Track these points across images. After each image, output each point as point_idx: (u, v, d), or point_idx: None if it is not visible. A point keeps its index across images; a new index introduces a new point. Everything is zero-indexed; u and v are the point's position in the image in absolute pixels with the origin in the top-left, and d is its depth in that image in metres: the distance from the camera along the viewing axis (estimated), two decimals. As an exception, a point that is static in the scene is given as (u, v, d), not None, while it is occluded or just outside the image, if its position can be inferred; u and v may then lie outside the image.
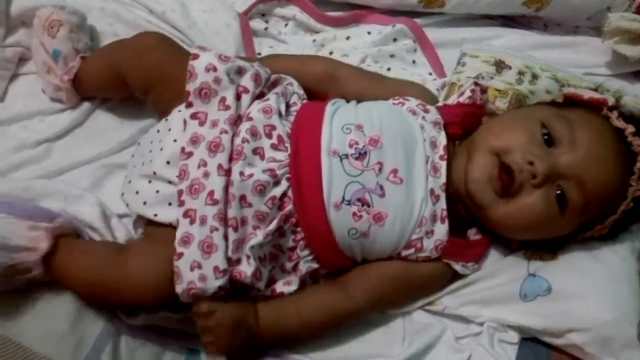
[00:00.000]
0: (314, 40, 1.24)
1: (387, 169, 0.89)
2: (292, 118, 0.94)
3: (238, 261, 0.86)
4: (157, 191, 0.90)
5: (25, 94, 1.13)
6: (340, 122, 0.92)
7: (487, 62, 1.15)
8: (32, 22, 1.11)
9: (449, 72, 1.21)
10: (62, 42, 1.07)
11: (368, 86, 1.05)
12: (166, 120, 0.95)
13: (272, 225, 0.86)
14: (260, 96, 0.95)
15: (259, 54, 1.20)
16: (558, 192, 0.89)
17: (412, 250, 0.92)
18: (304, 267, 0.91)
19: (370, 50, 1.22)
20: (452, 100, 1.04)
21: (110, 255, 0.90)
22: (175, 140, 0.90)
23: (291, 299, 0.92)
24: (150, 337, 0.95)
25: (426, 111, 0.98)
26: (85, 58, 1.08)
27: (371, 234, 0.89)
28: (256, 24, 1.26)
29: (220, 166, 0.85)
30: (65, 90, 1.08)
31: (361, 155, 0.89)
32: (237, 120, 0.90)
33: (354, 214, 0.88)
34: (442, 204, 0.92)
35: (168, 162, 0.90)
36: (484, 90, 1.05)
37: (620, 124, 0.93)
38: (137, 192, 0.92)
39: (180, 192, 0.86)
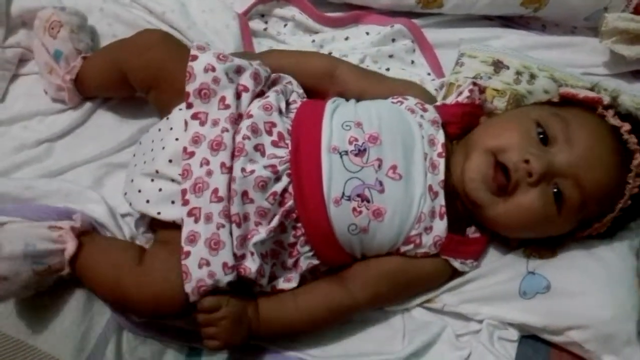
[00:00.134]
0: (313, 41, 1.25)
1: (387, 165, 0.90)
2: (292, 115, 0.94)
3: (243, 257, 0.86)
4: (160, 189, 0.90)
5: (26, 95, 1.13)
6: (340, 119, 0.93)
7: (485, 62, 1.16)
8: (32, 23, 1.12)
9: (447, 72, 1.21)
10: (63, 42, 1.07)
11: (367, 85, 1.06)
12: (167, 119, 0.95)
13: (275, 222, 0.87)
14: (260, 94, 0.95)
15: (258, 54, 1.20)
16: (555, 190, 0.90)
17: (411, 246, 0.93)
18: (304, 263, 0.92)
19: (369, 51, 1.23)
20: (451, 100, 1.04)
21: (129, 265, 0.91)
22: (177, 139, 0.91)
23: (291, 294, 0.92)
24: (151, 334, 0.95)
25: (424, 110, 0.99)
26: (87, 58, 1.08)
27: (370, 229, 0.90)
28: (255, 24, 1.27)
29: (223, 164, 0.86)
30: (67, 90, 1.08)
31: (361, 151, 0.90)
32: (237, 119, 0.90)
33: (354, 209, 0.89)
34: (441, 200, 0.93)
35: (170, 161, 0.90)
36: (482, 90, 1.05)
37: (616, 122, 0.93)
38: (139, 191, 0.92)
39: (184, 192, 0.86)
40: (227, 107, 0.89)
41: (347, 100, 1.01)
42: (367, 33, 1.28)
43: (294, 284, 0.92)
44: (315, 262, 0.92)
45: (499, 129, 0.95)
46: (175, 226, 0.88)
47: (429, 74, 1.24)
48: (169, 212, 0.89)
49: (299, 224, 0.89)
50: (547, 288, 0.95)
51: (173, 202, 0.89)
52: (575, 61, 1.26)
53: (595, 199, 0.91)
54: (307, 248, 0.91)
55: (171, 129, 0.93)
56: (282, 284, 0.92)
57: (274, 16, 1.29)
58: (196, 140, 0.88)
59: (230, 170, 0.86)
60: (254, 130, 0.89)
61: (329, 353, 0.95)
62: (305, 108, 0.96)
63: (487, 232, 0.99)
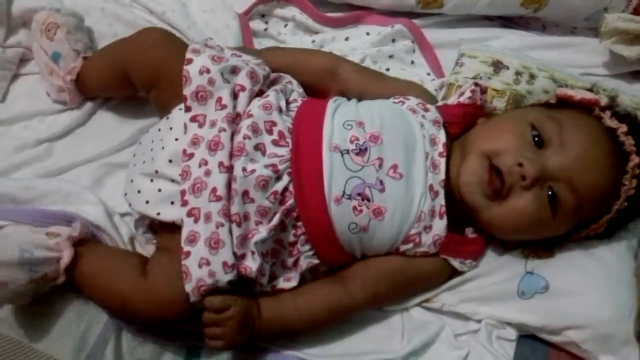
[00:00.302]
0: (313, 41, 1.25)
1: (387, 164, 0.90)
2: (292, 114, 0.95)
3: (243, 256, 0.86)
4: (160, 190, 0.90)
5: (27, 94, 1.14)
6: (341, 118, 0.93)
7: (485, 62, 1.16)
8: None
9: (447, 72, 1.21)
10: (60, 43, 1.08)
11: (369, 84, 1.06)
12: (167, 118, 0.96)
13: (275, 220, 0.87)
14: (259, 94, 0.95)
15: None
16: (550, 193, 0.90)
17: (410, 245, 0.93)
18: (304, 262, 0.92)
19: (369, 51, 1.23)
20: (453, 100, 1.04)
21: (130, 274, 0.91)
22: (176, 139, 0.91)
23: (290, 294, 0.92)
24: (151, 334, 0.95)
25: (426, 110, 0.99)
26: (87, 58, 1.09)
27: (371, 228, 0.90)
28: (256, 24, 1.27)
29: (221, 163, 0.86)
30: (68, 91, 1.09)
31: (362, 151, 0.90)
32: (235, 118, 0.90)
33: (354, 208, 0.89)
34: (441, 200, 0.93)
35: (170, 161, 0.90)
36: (483, 91, 1.05)
37: (612, 123, 0.93)
38: (139, 191, 0.92)
39: (183, 192, 0.86)
40: (224, 107, 0.90)
41: (349, 99, 1.01)
42: (368, 33, 1.28)
43: (293, 283, 0.92)
44: (315, 261, 0.92)
45: (494, 132, 0.95)
46: (175, 227, 0.88)
47: (428, 74, 1.24)
48: (169, 213, 0.89)
49: (300, 223, 0.89)
50: (546, 288, 0.95)
51: (172, 203, 0.89)
52: (575, 61, 1.26)
53: (590, 201, 0.91)
54: (307, 247, 0.91)
55: (171, 129, 0.93)
56: (282, 284, 0.93)
57: (275, 16, 1.30)
58: (195, 142, 0.88)
59: (228, 169, 0.86)
60: (254, 129, 0.89)
61: (328, 352, 0.95)
62: (306, 107, 0.96)
63: (484, 233, 0.99)
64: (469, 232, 0.99)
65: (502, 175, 0.90)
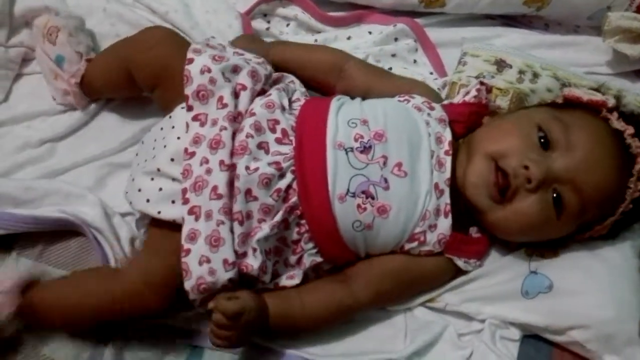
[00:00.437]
0: (316, 40, 1.25)
1: (392, 162, 0.90)
2: (295, 112, 0.95)
3: (244, 254, 0.86)
4: (160, 189, 0.90)
5: (29, 94, 1.14)
6: (345, 116, 0.93)
7: (488, 61, 1.16)
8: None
9: (449, 71, 1.21)
10: (62, 46, 1.07)
11: (375, 81, 1.06)
12: (170, 117, 0.96)
13: (278, 217, 0.87)
14: (261, 93, 0.95)
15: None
16: (554, 195, 0.90)
17: (415, 244, 0.93)
18: (307, 260, 0.92)
19: (371, 50, 1.22)
20: (458, 99, 1.04)
21: (100, 275, 0.93)
22: (179, 138, 0.91)
23: (295, 293, 0.92)
24: (153, 335, 0.95)
25: (431, 108, 0.99)
26: (91, 59, 1.09)
27: (375, 226, 0.90)
28: (258, 24, 1.27)
29: (222, 162, 0.86)
30: (74, 93, 1.08)
31: (366, 148, 0.90)
32: (236, 117, 0.90)
33: (359, 206, 0.89)
34: (446, 198, 0.93)
35: (172, 160, 0.90)
36: (489, 90, 1.05)
37: (619, 125, 0.93)
38: (139, 190, 0.92)
39: (184, 191, 0.86)
40: (225, 106, 0.90)
41: (352, 98, 1.01)
42: (370, 32, 1.28)
43: (297, 281, 0.92)
44: (319, 259, 0.92)
45: (501, 133, 0.95)
46: (173, 227, 0.88)
47: (431, 73, 1.24)
48: (169, 212, 0.89)
49: (303, 221, 0.89)
50: (549, 288, 0.94)
51: (173, 202, 0.89)
52: (578, 60, 1.26)
53: (595, 203, 0.91)
54: (310, 245, 0.91)
55: (173, 127, 0.93)
56: (284, 281, 0.92)
57: (277, 16, 1.29)
58: (196, 140, 0.88)
59: (229, 167, 0.86)
60: (257, 128, 0.89)
61: (330, 352, 0.95)
62: (310, 105, 0.96)
63: (488, 232, 0.99)
64: (473, 232, 0.99)
65: (508, 178, 0.89)
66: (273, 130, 0.91)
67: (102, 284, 0.90)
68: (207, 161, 0.87)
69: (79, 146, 1.10)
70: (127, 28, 1.18)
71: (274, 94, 0.94)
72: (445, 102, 1.06)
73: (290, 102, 0.97)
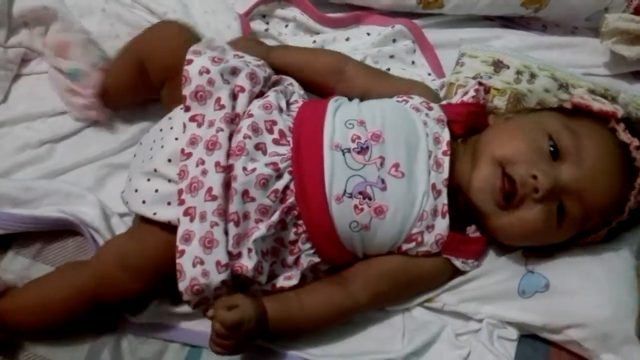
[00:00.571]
0: (314, 42, 1.25)
1: (389, 163, 0.90)
2: (293, 114, 0.95)
3: (238, 255, 0.86)
4: (156, 190, 0.90)
5: (28, 95, 1.14)
6: (343, 117, 0.94)
7: (486, 62, 1.16)
8: (34, 23, 1.13)
9: (447, 72, 1.22)
10: (76, 59, 1.06)
11: (374, 83, 1.06)
12: (169, 118, 0.96)
13: (275, 217, 0.87)
14: (260, 95, 0.95)
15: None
16: (557, 203, 0.90)
17: (412, 245, 0.93)
18: (305, 260, 0.92)
19: (369, 51, 1.23)
20: (456, 99, 1.04)
21: (74, 263, 0.93)
22: (176, 139, 0.91)
23: (294, 294, 0.92)
24: (152, 333, 0.95)
25: (430, 109, 0.99)
26: (106, 69, 1.08)
27: (372, 227, 0.90)
28: (257, 25, 1.27)
29: (217, 163, 0.86)
30: (94, 106, 1.07)
31: (363, 149, 0.90)
32: (234, 119, 0.90)
33: (356, 206, 0.89)
34: (444, 199, 0.93)
35: (169, 160, 0.90)
36: (487, 90, 1.05)
37: (626, 137, 0.93)
38: (136, 191, 0.92)
39: (180, 192, 0.86)
40: (222, 107, 0.90)
41: (350, 99, 1.01)
42: (368, 34, 1.28)
43: (294, 281, 0.92)
44: (316, 259, 0.92)
45: (510, 138, 0.94)
46: (167, 228, 0.88)
47: (429, 74, 1.24)
48: (165, 213, 0.89)
49: (300, 221, 0.89)
50: (546, 287, 0.95)
51: (169, 204, 0.89)
52: (575, 62, 1.26)
53: (596, 214, 0.92)
54: (308, 245, 0.91)
55: (172, 128, 0.93)
56: (282, 282, 0.92)
57: (275, 17, 1.30)
58: (193, 141, 0.88)
59: (225, 169, 0.86)
60: (255, 129, 0.89)
61: (329, 352, 0.95)
62: (307, 107, 0.97)
63: (486, 233, 0.99)
64: (471, 231, 0.99)
65: (515, 186, 0.90)
66: (270, 132, 0.91)
67: (69, 276, 0.90)
68: (203, 162, 0.87)
69: (78, 147, 1.10)
70: (126, 28, 1.17)
71: (271, 96, 0.94)
72: (444, 102, 1.06)
73: (288, 104, 0.97)
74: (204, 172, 0.86)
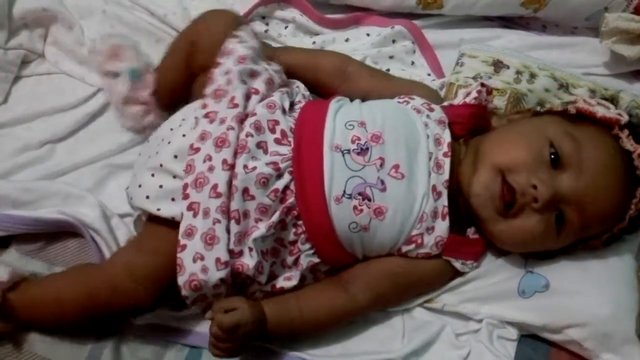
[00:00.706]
0: (314, 42, 1.25)
1: (389, 164, 0.91)
2: (295, 115, 0.95)
3: (240, 253, 0.87)
4: (161, 186, 0.90)
5: (28, 96, 1.14)
6: (343, 118, 0.94)
7: (486, 62, 1.16)
8: (34, 25, 1.14)
9: (447, 72, 1.22)
10: (132, 60, 1.04)
11: (377, 84, 1.07)
12: (183, 120, 0.95)
13: (275, 217, 0.87)
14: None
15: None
16: (557, 212, 0.90)
17: (412, 246, 0.93)
18: (304, 261, 0.92)
19: (369, 52, 1.23)
20: (458, 100, 1.04)
21: (86, 267, 0.94)
22: (184, 135, 0.92)
23: (294, 297, 0.92)
24: (152, 335, 0.95)
25: (431, 110, 0.99)
26: (157, 67, 1.08)
27: (371, 228, 0.90)
28: (256, 26, 1.26)
29: (225, 161, 0.87)
30: (151, 109, 1.05)
31: (363, 150, 0.91)
32: (244, 119, 0.91)
33: (355, 207, 0.89)
34: (444, 200, 0.93)
35: (175, 156, 0.90)
36: (489, 92, 1.05)
37: (629, 144, 0.92)
38: (140, 186, 0.92)
39: (185, 186, 0.87)
40: (236, 106, 0.91)
41: (352, 100, 1.02)
42: (368, 34, 1.28)
43: (294, 282, 0.92)
44: (316, 260, 0.92)
45: (511, 145, 0.93)
46: (170, 225, 0.88)
47: (429, 75, 1.24)
48: (169, 209, 0.89)
49: (300, 222, 0.90)
50: (546, 287, 0.95)
51: (173, 200, 0.89)
52: (575, 61, 1.26)
53: (596, 223, 0.92)
54: (307, 246, 0.91)
55: (180, 125, 0.94)
56: (281, 282, 0.92)
57: (275, 18, 1.29)
58: (203, 137, 0.89)
59: (231, 167, 0.87)
60: (257, 127, 0.90)
61: (329, 352, 0.96)
62: (309, 107, 0.97)
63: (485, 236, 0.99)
64: (470, 233, 0.99)
65: (515, 195, 0.89)
66: (273, 131, 0.91)
67: (81, 278, 0.91)
68: (210, 158, 0.87)
69: (78, 148, 1.10)
70: (126, 30, 1.18)
71: (276, 96, 0.95)
72: (445, 103, 1.05)
73: (292, 104, 0.98)
74: (211, 169, 0.86)
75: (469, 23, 1.31)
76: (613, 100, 0.99)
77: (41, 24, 1.16)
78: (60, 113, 1.12)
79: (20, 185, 1.01)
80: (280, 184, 0.88)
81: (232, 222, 0.86)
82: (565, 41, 1.30)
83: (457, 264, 0.96)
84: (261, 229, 0.87)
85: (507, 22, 1.33)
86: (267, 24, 1.29)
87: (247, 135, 0.89)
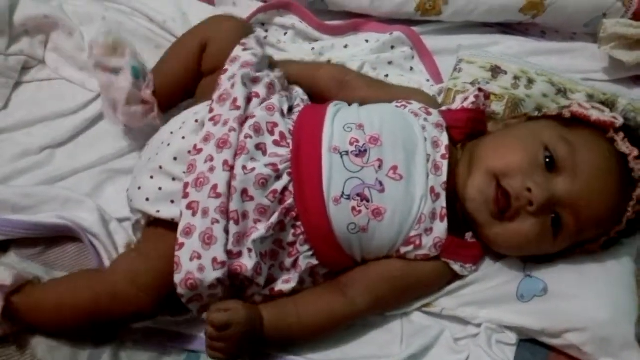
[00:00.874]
0: (313, 49, 1.25)
1: (387, 165, 0.91)
2: (294, 117, 0.96)
3: (239, 254, 0.87)
4: (160, 188, 0.91)
5: (29, 102, 1.14)
6: (342, 121, 0.94)
7: (484, 67, 1.17)
8: (34, 31, 1.14)
9: (446, 78, 1.22)
10: (134, 57, 1.03)
11: (374, 93, 1.07)
12: (183, 123, 0.96)
13: (274, 218, 0.88)
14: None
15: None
16: (553, 215, 0.90)
17: (411, 247, 0.93)
18: (303, 263, 0.92)
19: (368, 58, 1.23)
20: (456, 105, 1.04)
21: (88, 273, 0.94)
22: (183, 138, 0.92)
23: (292, 301, 0.92)
24: (150, 340, 0.95)
25: (428, 114, 1.00)
26: (155, 67, 1.08)
27: (370, 229, 0.90)
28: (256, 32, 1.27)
29: (225, 162, 0.87)
30: (155, 105, 1.03)
31: (361, 152, 0.91)
32: (244, 121, 0.92)
33: (353, 208, 0.89)
34: (442, 202, 0.93)
35: (175, 158, 0.91)
36: (487, 97, 1.05)
37: (624, 147, 0.93)
38: (139, 188, 0.93)
39: (186, 185, 0.88)
40: (238, 108, 0.92)
41: (350, 105, 1.02)
42: (367, 40, 1.28)
43: (292, 284, 0.92)
44: (314, 262, 0.92)
45: (506, 149, 0.94)
46: (169, 227, 0.89)
47: (428, 81, 1.24)
48: (168, 211, 0.90)
49: (299, 223, 0.90)
50: (545, 291, 0.95)
51: (172, 202, 0.90)
52: (574, 67, 1.26)
53: (592, 226, 0.93)
54: (306, 247, 0.91)
55: (180, 128, 0.95)
56: (280, 285, 0.93)
57: (274, 25, 1.30)
58: (207, 138, 0.90)
59: (232, 168, 0.87)
60: (256, 129, 0.91)
61: (328, 357, 0.96)
62: (308, 111, 0.98)
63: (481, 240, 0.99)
64: (469, 237, 0.99)
65: (510, 199, 0.90)
66: (271, 133, 0.92)
67: (84, 284, 0.91)
68: (211, 159, 0.88)
69: (77, 153, 1.10)
70: (126, 37, 1.17)
71: (275, 99, 0.96)
72: (444, 108, 1.06)
73: (291, 107, 0.99)
74: (212, 169, 0.87)
75: (468, 29, 1.31)
76: (609, 103, 0.99)
77: (42, 31, 1.16)
78: (60, 118, 1.13)
79: (20, 191, 1.01)
80: (279, 185, 0.88)
81: (231, 222, 0.86)
82: (564, 47, 1.30)
83: (456, 267, 0.96)
84: (260, 230, 0.87)
85: (507, 28, 1.33)
86: (266, 31, 1.29)
87: (246, 137, 0.89)
